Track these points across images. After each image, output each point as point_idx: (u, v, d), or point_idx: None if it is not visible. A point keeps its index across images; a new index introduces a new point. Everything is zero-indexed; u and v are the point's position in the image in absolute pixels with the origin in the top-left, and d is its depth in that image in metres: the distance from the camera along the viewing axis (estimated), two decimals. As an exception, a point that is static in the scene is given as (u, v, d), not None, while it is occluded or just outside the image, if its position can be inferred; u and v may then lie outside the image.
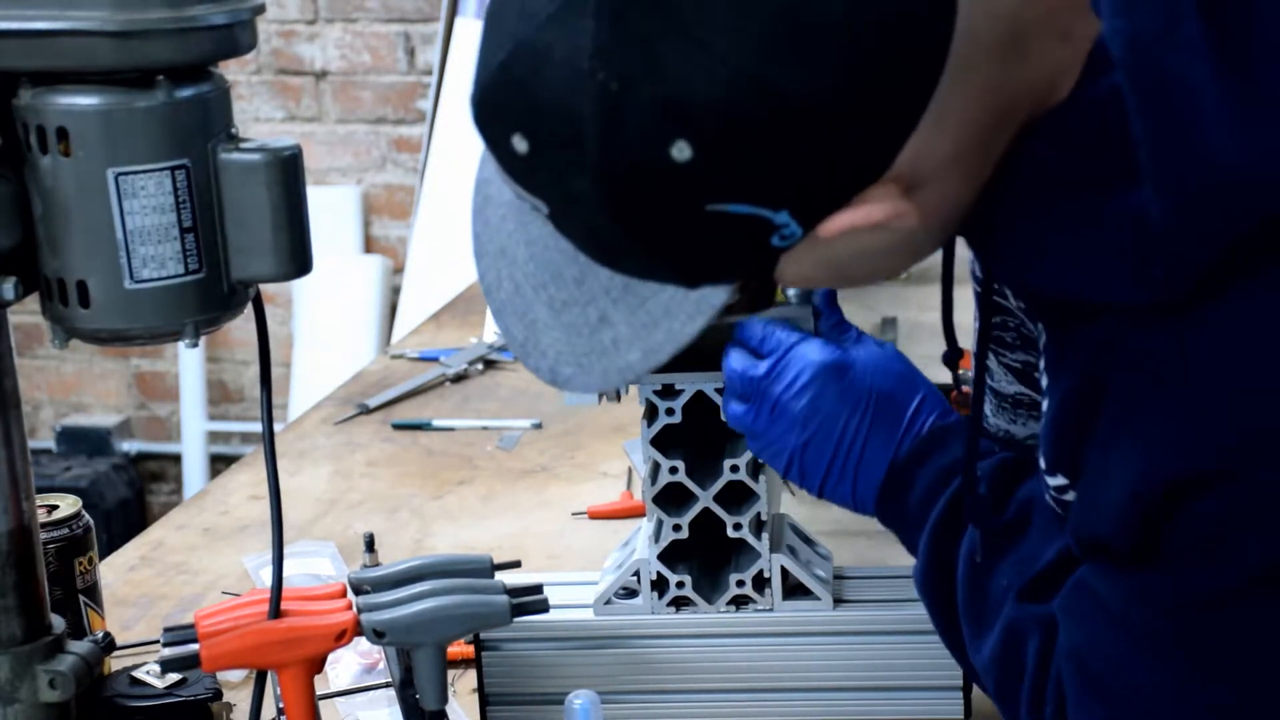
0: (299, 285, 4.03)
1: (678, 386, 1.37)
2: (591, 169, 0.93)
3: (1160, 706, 1.03)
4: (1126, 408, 1.00)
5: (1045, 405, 1.09)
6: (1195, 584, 1.00)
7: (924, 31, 0.93)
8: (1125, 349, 1.00)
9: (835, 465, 1.30)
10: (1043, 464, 1.10)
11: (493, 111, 0.97)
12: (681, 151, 0.91)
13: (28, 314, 3.90)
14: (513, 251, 1.03)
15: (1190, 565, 1.00)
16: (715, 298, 1.00)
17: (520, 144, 0.96)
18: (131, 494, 4.22)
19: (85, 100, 1.10)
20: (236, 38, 1.13)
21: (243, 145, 1.14)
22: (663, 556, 1.40)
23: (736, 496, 1.40)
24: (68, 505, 1.48)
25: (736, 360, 1.30)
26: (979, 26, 0.96)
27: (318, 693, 1.31)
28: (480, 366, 2.36)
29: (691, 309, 1.00)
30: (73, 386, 4.37)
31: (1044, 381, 1.10)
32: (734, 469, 1.38)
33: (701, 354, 1.22)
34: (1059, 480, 1.09)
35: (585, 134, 0.92)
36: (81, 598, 1.48)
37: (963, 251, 1.15)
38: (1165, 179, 0.94)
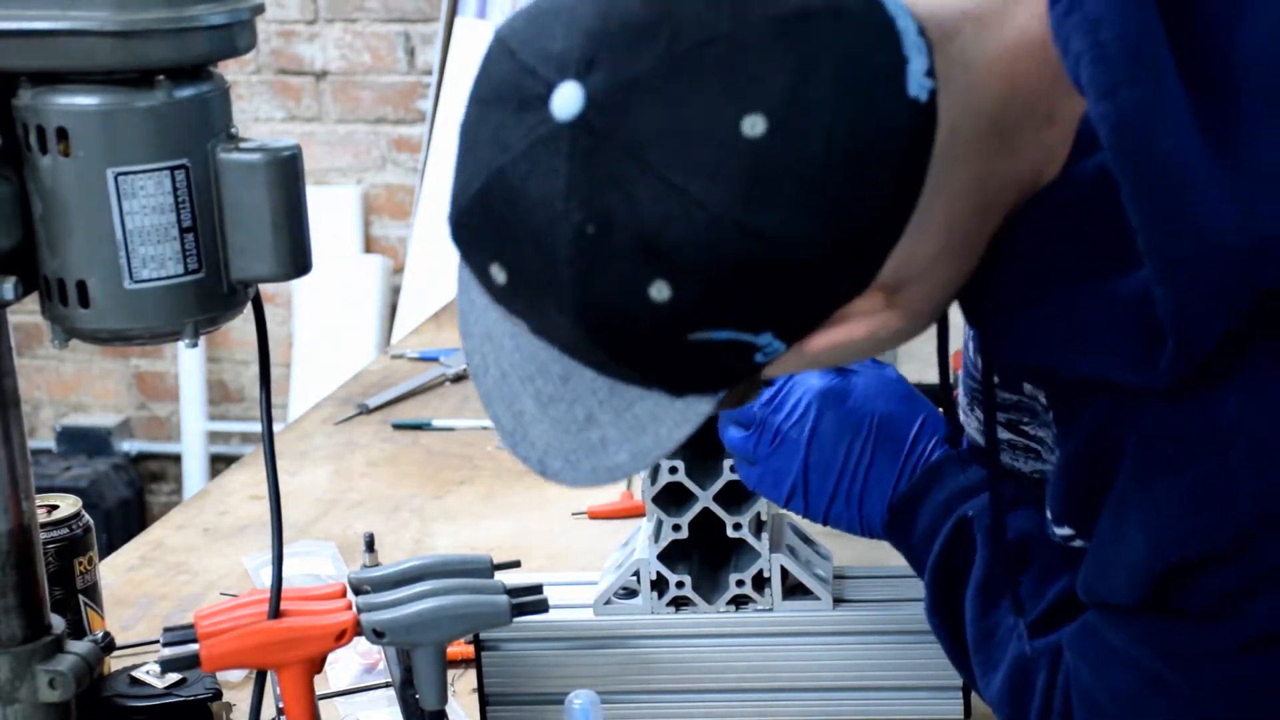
0: (299, 285, 4.02)
1: (678, 386, 1.37)
2: (570, 307, 0.92)
3: None
4: (1138, 481, 0.99)
5: (1055, 458, 1.08)
6: (1204, 637, 1.00)
7: (906, 154, 0.92)
8: (1135, 423, 0.99)
9: (840, 493, 1.30)
10: (1049, 514, 1.10)
11: (470, 238, 0.95)
12: (660, 291, 0.90)
13: (28, 314, 3.89)
14: (499, 338, 1.01)
15: (1200, 623, 1.00)
16: (701, 405, 0.99)
17: (498, 274, 0.94)
18: (131, 494, 4.22)
19: (85, 100, 1.10)
20: (236, 38, 1.13)
21: (243, 145, 1.14)
22: (663, 556, 1.40)
23: (736, 496, 1.40)
24: (68, 505, 1.48)
25: None
26: (961, 125, 0.95)
27: (318, 693, 1.31)
28: (480, 366, 2.36)
29: (678, 416, 0.99)
30: (73, 386, 4.36)
31: (1049, 435, 1.11)
32: (734, 469, 1.38)
33: None
34: (1066, 531, 1.09)
35: (561, 275, 0.91)
36: (81, 598, 1.48)
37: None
38: (1165, 262, 0.92)
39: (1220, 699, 1.01)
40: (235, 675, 1.53)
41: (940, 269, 0.99)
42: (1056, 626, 1.14)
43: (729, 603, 1.42)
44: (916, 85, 0.91)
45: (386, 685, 1.52)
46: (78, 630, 1.46)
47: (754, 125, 0.87)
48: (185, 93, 1.12)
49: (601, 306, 0.91)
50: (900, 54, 0.91)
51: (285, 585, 1.27)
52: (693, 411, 0.99)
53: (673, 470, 1.38)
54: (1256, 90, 0.93)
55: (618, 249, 0.89)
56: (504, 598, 1.30)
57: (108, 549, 1.90)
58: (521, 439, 1.01)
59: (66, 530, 1.47)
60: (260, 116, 4.13)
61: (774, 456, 1.30)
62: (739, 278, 0.90)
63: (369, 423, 2.21)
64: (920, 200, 0.93)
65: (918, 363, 2.22)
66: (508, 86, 0.91)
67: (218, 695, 1.38)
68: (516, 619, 1.30)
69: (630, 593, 1.43)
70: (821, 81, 0.88)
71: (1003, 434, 1.20)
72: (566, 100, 0.89)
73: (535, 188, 0.90)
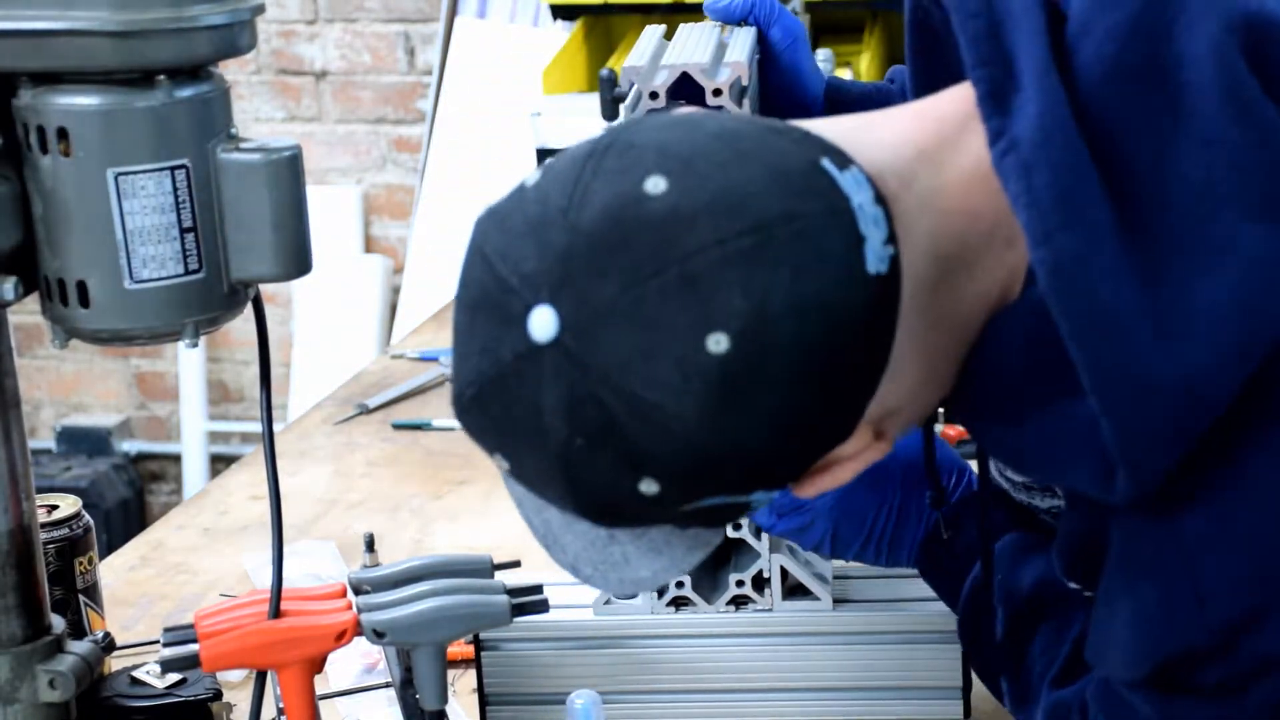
0: (299, 285, 4.02)
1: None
2: (569, 500, 0.97)
3: None
4: (1123, 574, 1.02)
5: (1063, 508, 1.11)
6: (1213, 707, 1.01)
7: (872, 326, 0.94)
8: (1118, 523, 1.01)
9: (869, 545, 1.34)
10: (1059, 565, 1.12)
11: (474, 431, 1.00)
12: (649, 486, 0.94)
13: (28, 314, 3.89)
14: None
15: (1204, 697, 1.01)
16: (709, 535, 1.04)
17: (501, 462, 0.99)
18: (131, 494, 4.22)
19: (85, 100, 1.10)
20: (236, 38, 1.13)
21: (243, 145, 1.14)
22: (663, 556, 1.40)
23: (736, 496, 1.40)
24: (68, 505, 1.48)
25: None
26: (924, 273, 0.97)
27: (318, 693, 1.31)
28: (480, 366, 2.36)
29: (690, 542, 1.04)
30: (73, 386, 4.36)
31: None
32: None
33: None
34: (1074, 585, 1.11)
35: (556, 477, 0.95)
36: (81, 598, 1.48)
37: None
38: (1106, 400, 0.94)
39: None
40: (235, 675, 1.53)
41: (922, 394, 1.02)
42: (1080, 672, 1.15)
43: (729, 603, 1.42)
44: (876, 260, 0.93)
45: (386, 685, 1.52)
46: (78, 630, 1.46)
47: (718, 343, 0.90)
48: (185, 93, 1.12)
49: (596, 498, 0.96)
50: (858, 234, 0.93)
51: (285, 585, 1.27)
52: (703, 539, 1.04)
53: (673, 470, 1.38)
54: (1184, 226, 0.94)
55: (604, 460, 0.93)
56: (504, 598, 1.30)
57: (108, 549, 1.90)
58: (554, 543, 1.06)
59: (66, 530, 1.47)
60: (260, 116, 4.13)
61: (798, 514, 1.32)
62: (721, 470, 0.94)
63: (369, 423, 2.21)
64: (893, 349, 0.96)
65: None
66: (490, 298, 0.95)
67: (218, 695, 1.38)
68: (516, 619, 1.30)
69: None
70: (780, 293, 0.90)
71: (1018, 475, 1.22)
72: (542, 323, 0.92)
73: (525, 400, 0.94)
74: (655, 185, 0.91)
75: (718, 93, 1.28)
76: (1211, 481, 0.96)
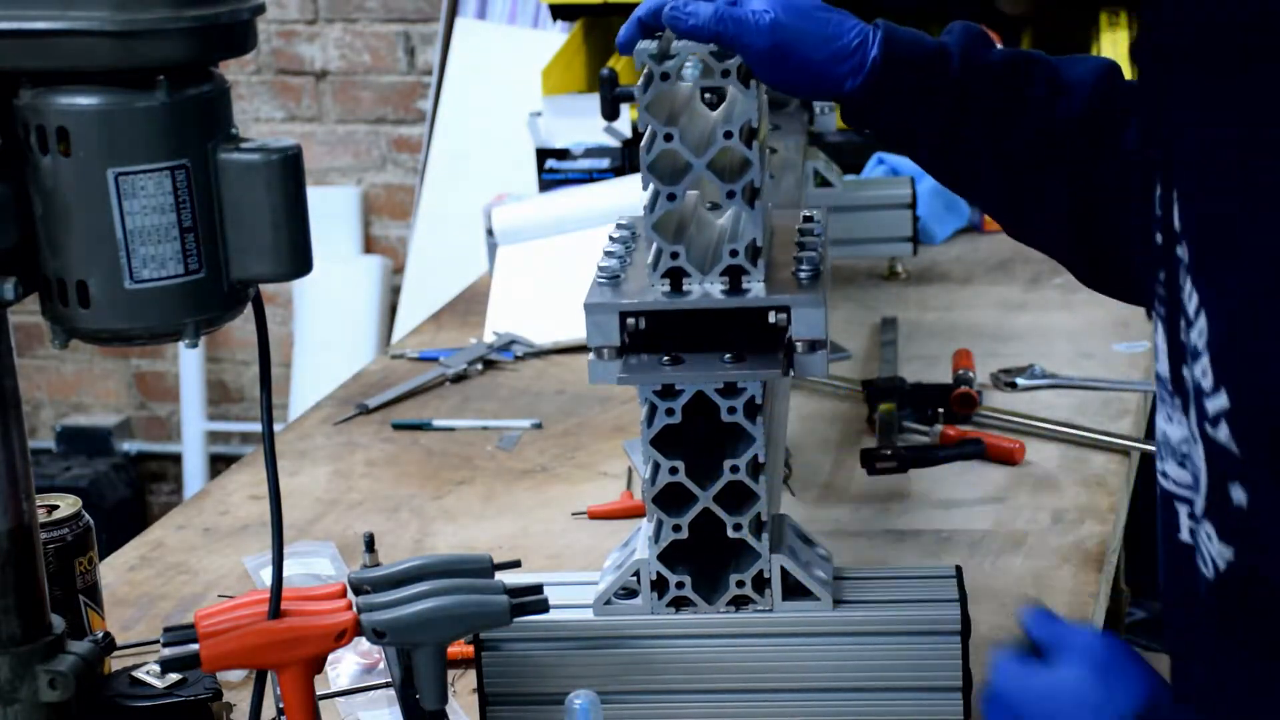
0: (299, 285, 4.03)
1: (678, 387, 1.37)
2: None
3: None
4: None
5: (1198, 323, 1.00)
6: None
7: None
8: None
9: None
10: (1207, 381, 1.00)
11: None
12: None
13: (28, 314, 3.89)
14: None
15: None
16: None
17: None
18: (131, 494, 4.22)
19: (85, 100, 1.10)
20: (236, 38, 1.13)
21: (243, 145, 1.14)
22: (663, 557, 1.40)
23: (736, 497, 1.40)
24: (68, 505, 1.48)
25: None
26: None
27: (318, 693, 1.31)
28: (480, 366, 2.36)
29: None
30: (73, 386, 4.37)
31: (1190, 300, 1.02)
32: (734, 469, 1.38)
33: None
34: (1220, 402, 1.00)
35: None
36: (81, 598, 1.48)
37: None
38: None
39: None
40: (235, 675, 1.53)
41: None
42: None
43: (729, 603, 1.42)
44: None
45: (386, 685, 1.52)
46: (78, 630, 1.46)
47: None
48: (185, 93, 1.12)
49: None
50: None
51: (285, 585, 1.27)
52: None
53: (673, 470, 1.38)
54: None
55: None
56: (504, 598, 1.30)
57: (108, 549, 1.89)
58: None
59: (66, 530, 1.47)
60: (260, 116, 4.13)
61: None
62: None
63: (369, 423, 2.21)
64: None
65: (917, 362, 2.22)
66: None
67: (218, 695, 1.38)
68: (516, 619, 1.30)
69: (630, 593, 1.43)
70: None
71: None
72: None
73: None
74: None
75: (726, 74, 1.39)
76: None
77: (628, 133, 2.74)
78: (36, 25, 1.08)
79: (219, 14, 1.11)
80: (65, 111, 1.10)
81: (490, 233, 2.59)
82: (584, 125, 2.79)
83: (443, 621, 1.28)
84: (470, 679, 1.50)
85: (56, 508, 1.48)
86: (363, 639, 1.29)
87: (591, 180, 2.75)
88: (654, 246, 1.39)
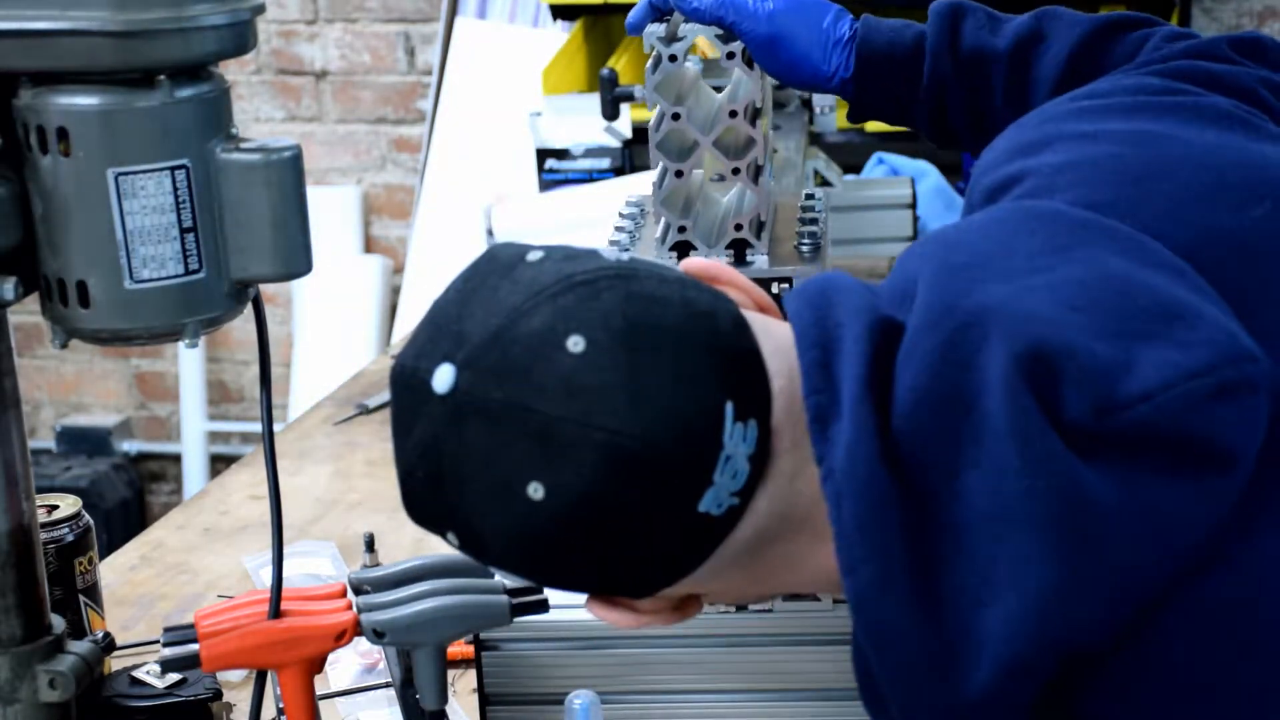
0: (299, 285, 4.02)
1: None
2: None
3: None
4: None
5: None
6: None
7: (671, 552, 1.02)
8: None
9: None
10: None
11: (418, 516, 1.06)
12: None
13: (28, 314, 3.89)
14: None
15: None
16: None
17: (452, 539, 1.05)
18: (131, 494, 4.22)
19: (85, 100, 1.10)
20: (236, 38, 1.13)
21: (243, 145, 1.14)
22: (663, 557, 1.40)
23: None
24: (68, 505, 1.48)
25: None
26: (767, 526, 1.03)
27: (318, 693, 1.31)
28: (480, 366, 2.36)
29: None
30: (73, 386, 4.36)
31: None
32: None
33: None
34: None
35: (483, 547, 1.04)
36: (81, 598, 1.48)
37: None
38: (905, 713, 1.00)
39: None
40: (235, 675, 1.53)
41: (748, 591, 1.11)
42: None
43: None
44: (711, 503, 1.00)
45: (386, 685, 1.52)
46: (78, 630, 1.46)
47: (536, 490, 0.98)
48: (185, 93, 1.12)
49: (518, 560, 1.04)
50: (706, 479, 0.99)
51: (285, 585, 1.27)
52: None
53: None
54: (974, 553, 0.97)
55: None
56: (504, 598, 1.30)
57: (108, 549, 1.90)
58: None
59: (66, 530, 1.47)
60: (260, 116, 4.13)
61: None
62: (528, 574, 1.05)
63: (369, 423, 2.21)
64: (715, 562, 1.03)
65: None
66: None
67: (218, 695, 1.38)
68: (516, 619, 1.30)
69: (630, 593, 1.43)
70: (592, 484, 0.97)
71: None
72: (443, 378, 1.00)
73: (422, 497, 1.04)
74: (575, 345, 0.98)
75: (730, 56, 1.43)
76: None
77: (628, 133, 2.74)
78: (36, 25, 1.08)
79: (219, 14, 1.11)
80: (65, 111, 1.10)
81: (490, 233, 2.59)
82: (584, 125, 2.79)
83: (443, 621, 1.28)
84: (470, 679, 1.50)
85: (56, 508, 1.48)
86: (363, 639, 1.28)
87: (591, 180, 2.76)
88: (662, 221, 1.41)
